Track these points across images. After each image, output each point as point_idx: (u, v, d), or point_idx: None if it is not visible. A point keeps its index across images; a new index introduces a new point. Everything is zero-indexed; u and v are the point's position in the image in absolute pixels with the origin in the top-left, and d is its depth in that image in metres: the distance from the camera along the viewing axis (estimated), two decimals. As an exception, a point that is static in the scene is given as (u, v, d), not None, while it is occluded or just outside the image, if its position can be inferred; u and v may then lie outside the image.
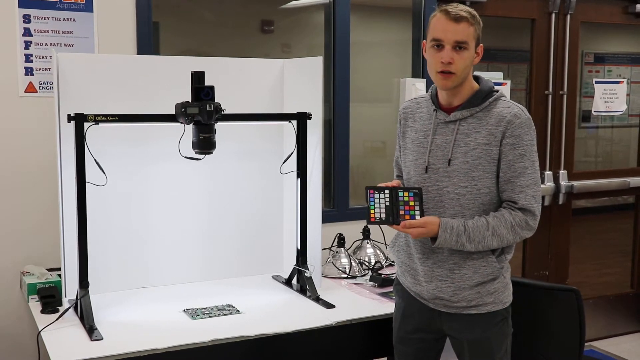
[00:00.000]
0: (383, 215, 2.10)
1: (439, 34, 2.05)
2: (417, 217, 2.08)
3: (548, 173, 4.20)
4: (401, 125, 2.29)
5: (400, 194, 2.10)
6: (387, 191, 2.11)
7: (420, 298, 2.23)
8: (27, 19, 2.73)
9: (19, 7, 2.71)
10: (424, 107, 2.22)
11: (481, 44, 2.10)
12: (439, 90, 2.17)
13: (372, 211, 2.10)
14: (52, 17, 2.77)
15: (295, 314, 2.45)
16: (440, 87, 2.13)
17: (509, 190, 2.07)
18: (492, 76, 3.74)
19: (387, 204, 2.10)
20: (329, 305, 2.51)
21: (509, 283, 2.19)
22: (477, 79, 2.17)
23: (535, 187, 2.08)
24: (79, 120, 2.26)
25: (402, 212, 2.08)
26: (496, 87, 2.16)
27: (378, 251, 3.15)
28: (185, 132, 2.39)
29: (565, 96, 4.19)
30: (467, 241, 2.04)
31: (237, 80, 2.79)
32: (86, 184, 2.29)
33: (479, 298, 2.11)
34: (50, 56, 2.75)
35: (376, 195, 2.11)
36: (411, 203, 2.09)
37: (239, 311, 2.45)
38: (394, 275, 2.84)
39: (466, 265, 2.10)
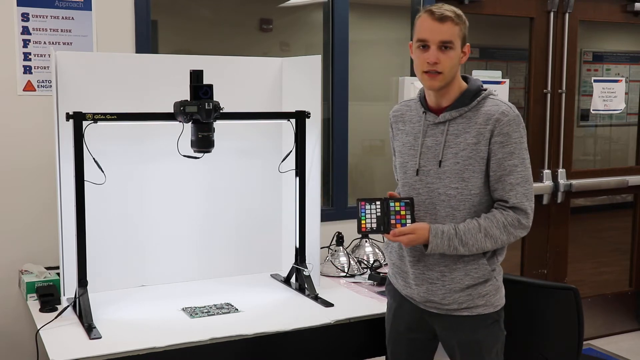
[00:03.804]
0: (374, 225, 2.11)
1: (424, 34, 2.04)
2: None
3: (547, 172, 4.20)
4: (392, 129, 2.28)
5: (392, 204, 2.11)
6: (378, 202, 2.12)
7: (411, 299, 2.22)
8: (25, 17, 2.73)
9: (18, 5, 2.71)
10: (414, 110, 2.21)
11: (468, 44, 2.09)
12: (427, 92, 2.15)
13: (363, 221, 2.12)
14: (51, 16, 2.76)
15: (293, 313, 2.45)
16: (427, 88, 2.12)
17: (500, 189, 2.05)
18: (491, 75, 3.73)
19: (379, 214, 2.11)
20: (328, 304, 2.51)
21: (501, 286, 2.17)
22: (465, 79, 2.15)
23: (526, 184, 2.05)
24: (78, 118, 2.26)
25: (393, 222, 2.09)
26: (485, 86, 2.14)
27: (377, 250, 3.15)
28: (184, 131, 2.39)
29: (563, 95, 4.19)
30: (459, 244, 2.03)
31: (236, 78, 2.79)
32: (85, 182, 2.29)
33: (470, 300, 2.10)
34: (49, 55, 2.75)
35: (367, 207, 2.13)
36: (402, 212, 2.10)
37: (237, 310, 2.45)
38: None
39: (457, 267, 2.09)
